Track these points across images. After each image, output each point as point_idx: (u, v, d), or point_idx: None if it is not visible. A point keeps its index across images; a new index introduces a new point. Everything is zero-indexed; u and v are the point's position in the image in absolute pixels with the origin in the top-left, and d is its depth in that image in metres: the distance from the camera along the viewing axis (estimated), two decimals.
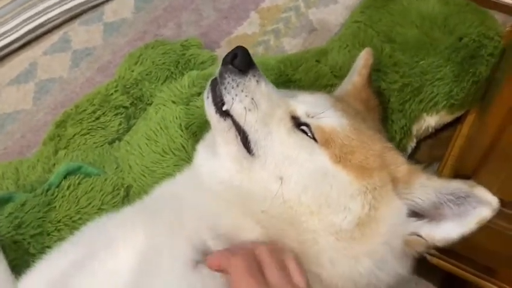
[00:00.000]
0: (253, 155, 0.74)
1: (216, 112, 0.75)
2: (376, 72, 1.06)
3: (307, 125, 0.75)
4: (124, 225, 0.76)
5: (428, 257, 0.97)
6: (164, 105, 1.07)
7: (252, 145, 0.74)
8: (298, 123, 0.76)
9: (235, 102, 0.74)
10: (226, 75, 0.75)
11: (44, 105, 1.45)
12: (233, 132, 0.75)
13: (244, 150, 0.74)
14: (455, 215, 0.72)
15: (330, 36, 1.54)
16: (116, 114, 1.21)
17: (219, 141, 0.77)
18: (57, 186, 1.00)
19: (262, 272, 0.62)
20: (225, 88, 0.75)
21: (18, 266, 0.86)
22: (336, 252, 0.70)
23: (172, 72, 1.28)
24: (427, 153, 1.30)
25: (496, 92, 0.82)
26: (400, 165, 0.76)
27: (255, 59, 1.19)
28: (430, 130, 1.13)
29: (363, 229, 0.70)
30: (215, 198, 0.75)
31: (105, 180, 1.01)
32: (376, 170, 0.73)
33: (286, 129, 0.75)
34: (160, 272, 0.68)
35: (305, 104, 0.78)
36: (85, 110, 1.20)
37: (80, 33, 1.63)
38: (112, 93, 1.24)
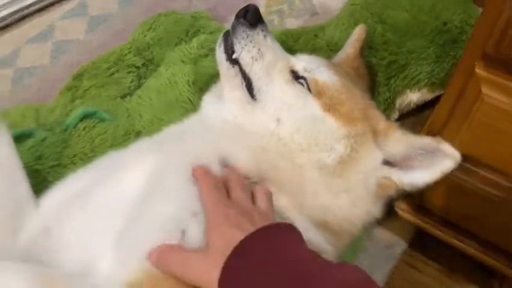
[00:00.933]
0: (255, 99, 0.85)
1: (226, 60, 0.87)
2: (368, 49, 1.18)
3: (304, 78, 0.87)
4: (135, 151, 0.87)
5: (400, 212, 1.10)
6: (174, 64, 1.19)
7: (255, 91, 0.85)
8: (296, 76, 0.88)
9: (244, 51, 0.85)
10: (238, 27, 0.86)
11: (61, 63, 1.55)
12: (239, 78, 0.86)
13: (248, 95, 0.86)
14: (422, 166, 0.84)
15: None
16: (129, 72, 1.32)
17: (226, 86, 0.88)
18: (74, 127, 1.11)
19: (227, 191, 0.74)
20: (236, 38, 0.86)
21: (38, 192, 0.97)
22: (318, 186, 0.82)
23: (182, 39, 1.38)
24: (409, 130, 1.43)
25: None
26: (380, 120, 0.88)
27: None
28: (412, 105, 1.25)
29: (343, 166, 0.82)
30: (218, 134, 0.86)
31: (118, 125, 1.13)
32: (359, 121, 0.85)
33: (286, 80, 0.86)
34: (164, 185, 0.78)
35: (303, 61, 0.90)
36: (100, 66, 1.31)
37: (97, 0, 1.74)
38: (126, 54, 1.35)
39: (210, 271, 0.62)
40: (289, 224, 0.68)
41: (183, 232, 0.70)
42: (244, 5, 0.88)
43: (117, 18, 1.69)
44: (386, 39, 1.21)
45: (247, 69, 0.86)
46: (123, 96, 1.29)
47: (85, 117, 1.13)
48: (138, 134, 1.12)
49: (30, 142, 1.07)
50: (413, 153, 0.85)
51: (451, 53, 1.19)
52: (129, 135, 1.11)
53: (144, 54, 1.36)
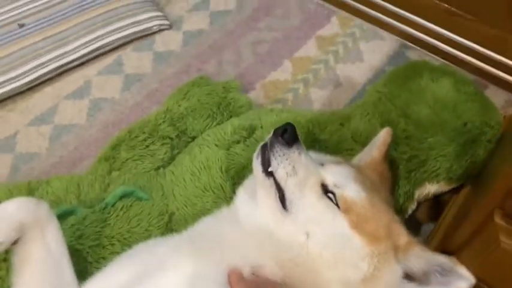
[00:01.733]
0: (287, 210, 0.93)
1: (263, 172, 0.94)
2: None
3: (333, 193, 0.94)
4: (173, 252, 0.95)
5: None
6: (208, 147, 1.26)
7: (288, 203, 0.93)
8: (326, 191, 0.95)
9: (280, 168, 0.93)
10: (276, 145, 0.94)
11: (96, 122, 1.65)
12: (274, 189, 0.94)
13: (280, 206, 0.93)
14: (439, 282, 0.91)
15: (353, 93, 1.73)
16: (163, 144, 1.40)
17: (261, 193, 0.95)
18: (113, 206, 1.19)
19: None
20: (273, 155, 0.94)
21: (77, 271, 1.05)
22: None
23: (214, 112, 1.47)
24: (426, 212, 1.49)
25: (490, 181, 1.00)
26: (402, 235, 0.95)
27: (288, 113, 1.39)
28: (430, 195, 1.31)
29: (366, 284, 0.89)
30: (249, 238, 0.93)
31: (153, 205, 1.21)
32: (383, 238, 0.92)
33: (316, 195, 0.93)
34: None
35: (333, 175, 0.97)
36: (137, 137, 1.39)
37: (132, 59, 1.83)
38: (160, 124, 1.43)
39: None
40: None
41: None
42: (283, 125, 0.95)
43: (151, 77, 1.78)
44: (408, 134, 1.27)
45: (281, 183, 0.93)
46: (157, 168, 1.37)
47: (123, 196, 1.21)
48: (171, 215, 1.19)
49: (71, 220, 1.15)
50: (431, 269, 0.92)
51: (470, 152, 1.26)
52: (163, 216, 1.19)
53: (177, 125, 1.44)
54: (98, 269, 1.04)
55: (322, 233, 0.90)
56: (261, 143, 0.98)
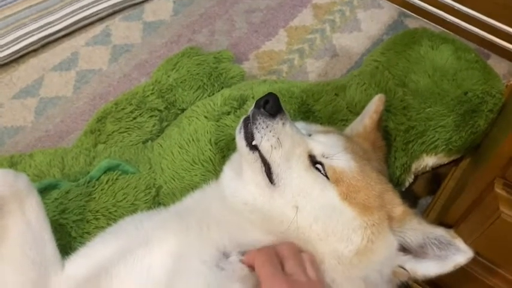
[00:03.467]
0: (274, 184, 0.88)
1: (247, 146, 0.89)
2: (387, 112, 1.20)
3: (321, 164, 0.89)
4: (160, 228, 0.91)
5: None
6: (197, 119, 1.21)
7: (274, 176, 0.88)
8: (314, 162, 0.90)
9: (264, 141, 0.87)
10: (258, 117, 0.88)
11: (83, 94, 1.59)
12: (259, 163, 0.89)
13: (267, 180, 0.88)
14: (436, 256, 0.86)
15: (350, 63, 1.67)
16: (151, 116, 1.35)
17: (246, 169, 0.91)
18: (97, 179, 1.14)
19: (281, 263, 0.78)
20: (256, 128, 0.88)
21: (61, 246, 1.01)
22: (336, 274, 0.84)
23: (204, 83, 1.41)
24: (423, 186, 1.45)
25: (491, 151, 0.95)
26: (397, 206, 0.90)
27: (282, 83, 1.33)
28: (427, 168, 1.27)
29: (360, 257, 0.84)
30: (238, 215, 0.89)
31: (139, 178, 1.16)
32: (376, 209, 0.87)
33: (304, 166, 0.89)
34: (189, 271, 0.82)
35: (321, 144, 0.92)
36: (124, 109, 1.34)
37: (120, 29, 1.76)
38: (148, 95, 1.38)
39: None
40: None
41: None
42: (265, 95, 0.89)
43: (140, 48, 1.71)
44: (406, 104, 1.22)
45: (266, 156, 0.88)
46: (145, 141, 1.32)
47: (109, 169, 1.16)
48: (159, 189, 1.15)
49: (55, 194, 1.11)
50: (428, 242, 0.87)
51: (470, 122, 1.20)
52: (150, 189, 1.14)
53: (166, 96, 1.39)
54: (82, 244, 1.00)
55: (312, 206, 0.86)
56: (244, 116, 0.93)
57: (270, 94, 0.90)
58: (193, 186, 1.10)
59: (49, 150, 1.26)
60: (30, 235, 0.93)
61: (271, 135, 0.88)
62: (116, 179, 1.15)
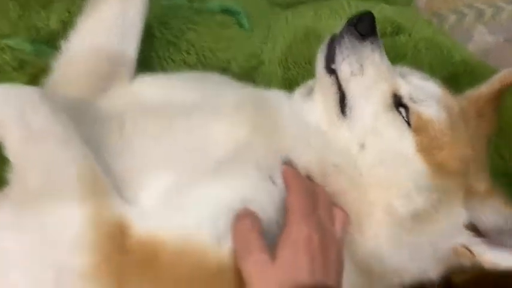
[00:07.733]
0: (345, 115, 0.77)
1: (324, 67, 0.78)
2: None
3: (406, 107, 0.76)
4: (238, 108, 0.80)
5: None
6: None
7: (347, 107, 0.77)
8: (398, 103, 0.76)
9: (344, 64, 0.76)
10: (346, 36, 0.76)
11: None
12: (334, 89, 0.77)
13: (338, 109, 0.77)
14: None
15: None
16: None
17: (319, 91, 0.80)
18: (211, 13, 1.03)
19: (315, 201, 0.70)
20: (339, 48, 0.76)
21: (144, 60, 0.92)
22: (381, 232, 0.74)
23: None
24: None
25: None
26: (482, 180, 0.77)
27: (447, 39, 1.11)
28: None
29: (416, 224, 0.73)
30: (298, 135, 0.78)
31: (249, 39, 1.04)
32: (454, 175, 0.74)
33: (384, 105, 0.76)
34: (241, 167, 0.73)
35: (411, 86, 0.78)
36: None
37: None
38: None
39: (266, 282, 0.62)
40: None
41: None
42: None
43: None
44: None
45: (343, 83, 0.77)
46: (273, 3, 1.17)
47: (227, 11, 1.04)
48: (260, 65, 1.04)
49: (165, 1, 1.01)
50: (509, 229, 0.75)
51: None
52: (251, 58, 1.04)
53: None
54: (161, 66, 0.96)
55: (380, 148, 0.74)
56: (331, 34, 0.79)
57: (367, 12, 0.77)
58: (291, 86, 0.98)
59: None
60: (120, 27, 0.87)
61: (354, 59, 0.76)
62: (228, 27, 1.04)
